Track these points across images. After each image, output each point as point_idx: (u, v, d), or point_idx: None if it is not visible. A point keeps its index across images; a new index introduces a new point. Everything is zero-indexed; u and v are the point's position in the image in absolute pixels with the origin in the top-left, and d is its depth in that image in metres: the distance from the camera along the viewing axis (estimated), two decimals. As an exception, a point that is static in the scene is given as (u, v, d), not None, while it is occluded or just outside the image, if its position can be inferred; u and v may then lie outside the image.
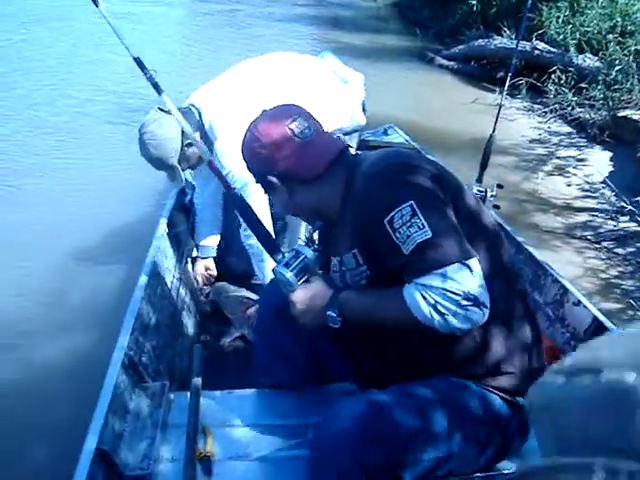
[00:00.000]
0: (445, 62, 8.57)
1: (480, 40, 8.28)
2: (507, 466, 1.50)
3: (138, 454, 1.48)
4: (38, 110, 5.43)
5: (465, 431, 1.38)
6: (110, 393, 1.48)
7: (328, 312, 1.44)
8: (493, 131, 3.02)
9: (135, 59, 1.91)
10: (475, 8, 9.38)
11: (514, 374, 1.43)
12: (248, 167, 1.59)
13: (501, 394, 1.43)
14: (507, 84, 3.21)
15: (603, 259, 3.43)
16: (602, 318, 2.03)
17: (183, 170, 2.36)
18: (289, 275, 1.47)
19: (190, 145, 2.25)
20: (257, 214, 1.80)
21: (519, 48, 7.19)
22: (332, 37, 9.62)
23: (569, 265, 3.31)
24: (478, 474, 1.46)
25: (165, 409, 1.64)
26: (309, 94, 2.28)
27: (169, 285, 2.29)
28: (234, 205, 1.86)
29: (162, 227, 2.56)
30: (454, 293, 1.26)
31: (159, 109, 2.22)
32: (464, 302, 1.27)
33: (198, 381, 1.72)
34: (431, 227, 1.29)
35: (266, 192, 1.60)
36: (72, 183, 4.14)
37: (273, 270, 1.54)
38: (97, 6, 1.86)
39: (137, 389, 1.66)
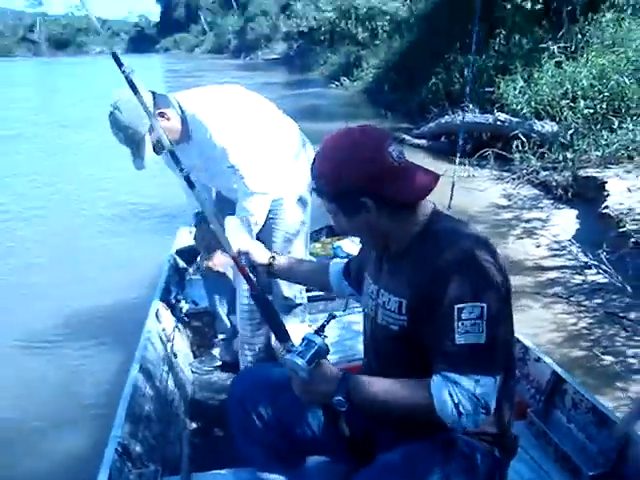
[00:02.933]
0: (416, 141, 9.02)
1: (446, 117, 8.76)
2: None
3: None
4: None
5: None
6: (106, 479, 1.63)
7: (336, 397, 1.46)
8: (449, 207, 3.17)
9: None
10: (437, 87, 9.97)
11: (498, 427, 1.54)
12: (334, 185, 1.50)
13: (486, 445, 1.53)
14: (457, 158, 3.56)
15: (572, 312, 3.61)
16: (559, 371, 2.20)
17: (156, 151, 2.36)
18: (301, 362, 1.46)
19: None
20: (271, 309, 1.76)
21: (482, 121, 7.70)
22: (308, 127, 10.06)
23: (540, 321, 3.49)
24: None
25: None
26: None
27: (160, 374, 2.45)
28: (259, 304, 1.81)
29: (154, 306, 2.78)
30: (478, 400, 1.37)
31: None
32: (481, 410, 1.38)
33: (187, 465, 1.87)
34: (487, 336, 1.38)
35: (344, 211, 1.52)
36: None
37: (285, 359, 1.53)
38: None
39: (131, 476, 1.81)
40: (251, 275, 1.79)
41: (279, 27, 35.14)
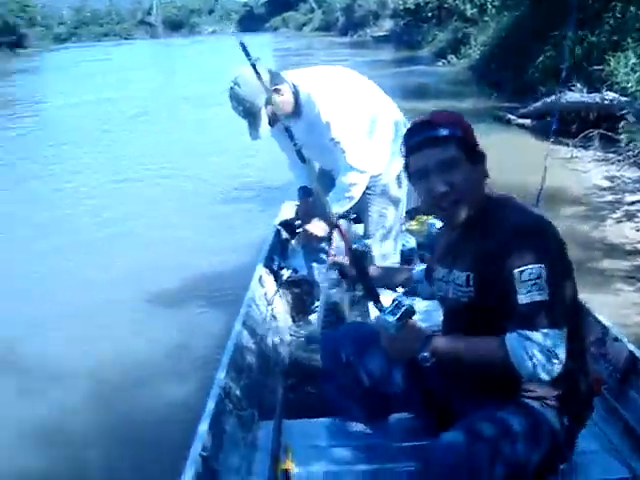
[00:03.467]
0: (520, 120, 8.89)
1: (552, 96, 8.55)
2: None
3: (231, 468, 1.90)
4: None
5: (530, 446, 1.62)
6: (209, 419, 1.92)
7: (422, 353, 1.62)
8: (541, 189, 3.16)
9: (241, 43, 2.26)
10: (544, 65, 9.70)
11: (571, 395, 1.68)
12: (464, 131, 1.68)
13: (556, 411, 1.67)
14: (551, 138, 3.50)
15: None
16: (636, 350, 2.27)
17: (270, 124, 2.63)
18: (392, 320, 1.62)
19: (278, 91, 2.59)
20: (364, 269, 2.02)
21: (589, 100, 7.48)
22: (414, 106, 10.10)
23: (631, 304, 3.52)
24: None
25: (254, 434, 2.07)
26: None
27: (260, 332, 2.72)
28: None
29: (258, 271, 3.08)
30: (549, 351, 1.52)
31: None
32: (554, 360, 1.53)
33: (280, 411, 2.14)
34: (550, 292, 1.52)
35: (471, 159, 1.67)
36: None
37: (377, 317, 1.72)
38: None
39: (231, 417, 2.10)
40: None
41: (387, 4, 34.78)
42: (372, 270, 2.12)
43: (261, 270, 3.14)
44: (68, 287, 4.52)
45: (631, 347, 2.28)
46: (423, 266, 2.12)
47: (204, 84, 15.27)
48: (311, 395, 2.53)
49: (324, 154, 2.80)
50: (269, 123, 2.65)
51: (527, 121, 8.79)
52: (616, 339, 2.38)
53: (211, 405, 1.97)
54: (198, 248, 5.00)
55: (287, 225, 3.47)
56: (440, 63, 16.97)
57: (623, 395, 2.23)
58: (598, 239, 4.61)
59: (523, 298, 1.52)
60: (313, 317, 3.16)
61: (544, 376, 1.53)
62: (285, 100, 2.65)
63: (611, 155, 6.57)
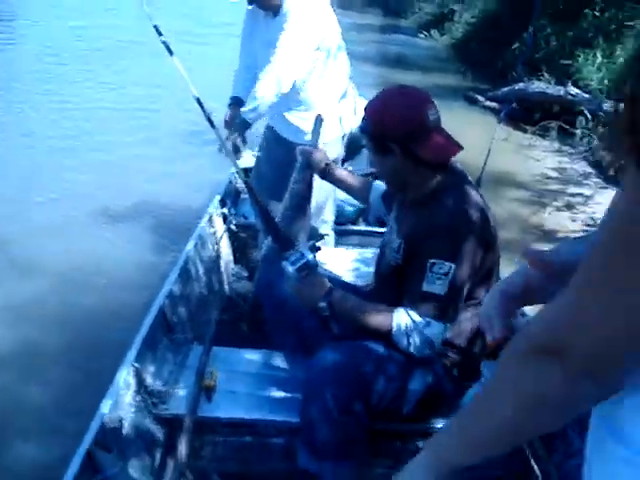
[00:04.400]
0: (488, 103, 9.11)
1: (521, 84, 8.77)
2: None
3: (159, 378, 2.12)
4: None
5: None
6: (145, 333, 2.13)
7: (320, 303, 1.83)
8: (482, 171, 3.35)
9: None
10: (520, 51, 9.88)
11: (464, 354, 1.91)
12: (373, 126, 1.83)
13: (446, 363, 1.90)
14: (500, 122, 3.73)
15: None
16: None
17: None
18: (291, 269, 1.83)
19: None
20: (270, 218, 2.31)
21: (553, 92, 7.72)
22: (389, 75, 10.23)
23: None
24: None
25: (185, 354, 2.29)
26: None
27: (204, 267, 2.93)
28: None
29: (210, 211, 3.31)
30: (427, 338, 1.77)
31: None
32: (428, 347, 1.78)
33: (210, 337, 2.36)
34: (448, 289, 1.74)
35: (375, 150, 1.86)
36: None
37: (282, 264, 1.89)
38: None
39: (165, 338, 2.31)
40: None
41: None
42: (338, 173, 2.32)
43: (213, 210, 3.34)
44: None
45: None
46: (381, 185, 2.26)
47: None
48: (241, 328, 2.76)
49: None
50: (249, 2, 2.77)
51: (494, 104, 9.02)
52: (522, 314, 2.65)
53: (148, 321, 2.18)
54: (151, 192, 4.98)
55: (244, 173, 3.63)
56: (422, 36, 16.96)
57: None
58: (536, 224, 4.90)
59: (425, 285, 1.74)
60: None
61: (414, 354, 1.79)
62: None
63: (565, 147, 6.86)
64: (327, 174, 2.32)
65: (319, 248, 1.92)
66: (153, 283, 2.89)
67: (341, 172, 2.38)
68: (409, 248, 1.83)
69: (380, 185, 2.26)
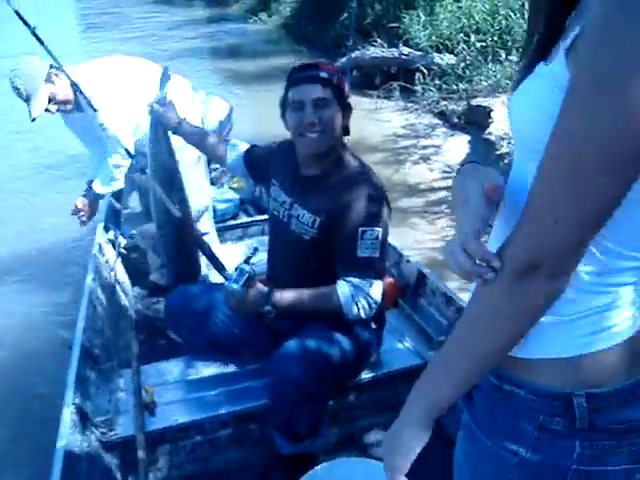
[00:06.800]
0: (329, 75, 9.44)
1: (357, 52, 9.18)
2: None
3: (101, 410, 2.19)
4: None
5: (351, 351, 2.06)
6: (74, 375, 2.15)
7: (265, 307, 1.96)
8: None
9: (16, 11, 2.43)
10: (350, 21, 10.28)
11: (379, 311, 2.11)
12: (339, 81, 1.96)
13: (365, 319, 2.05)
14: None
15: (452, 225, 4.30)
16: (423, 269, 2.82)
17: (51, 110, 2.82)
18: (237, 287, 1.94)
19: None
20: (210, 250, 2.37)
21: (388, 55, 8.15)
22: (226, 66, 10.24)
23: (424, 233, 4.19)
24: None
25: (116, 382, 2.37)
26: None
27: (108, 297, 2.96)
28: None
29: (97, 240, 3.33)
30: (371, 298, 1.94)
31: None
32: (374, 305, 1.96)
33: (136, 359, 2.45)
34: (380, 251, 1.92)
35: (342, 106, 1.98)
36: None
37: (224, 286, 2.01)
38: None
39: (94, 371, 2.37)
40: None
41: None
42: (191, 129, 2.40)
43: (100, 239, 3.37)
44: None
45: (419, 266, 2.84)
46: (238, 147, 2.34)
47: None
48: (160, 342, 2.86)
49: (97, 143, 3.03)
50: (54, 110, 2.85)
51: (335, 76, 9.36)
52: (408, 261, 2.93)
53: (74, 360, 2.24)
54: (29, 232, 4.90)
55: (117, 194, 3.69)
56: (251, 21, 17.06)
57: (415, 304, 2.75)
58: (399, 181, 5.24)
59: (360, 252, 1.92)
60: (152, 277, 3.42)
61: (364, 317, 1.98)
62: (61, 89, 2.80)
63: (410, 104, 7.27)
64: (179, 130, 2.38)
65: (252, 256, 2.06)
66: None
67: (194, 129, 2.44)
68: (330, 222, 1.95)
69: (236, 145, 2.36)
